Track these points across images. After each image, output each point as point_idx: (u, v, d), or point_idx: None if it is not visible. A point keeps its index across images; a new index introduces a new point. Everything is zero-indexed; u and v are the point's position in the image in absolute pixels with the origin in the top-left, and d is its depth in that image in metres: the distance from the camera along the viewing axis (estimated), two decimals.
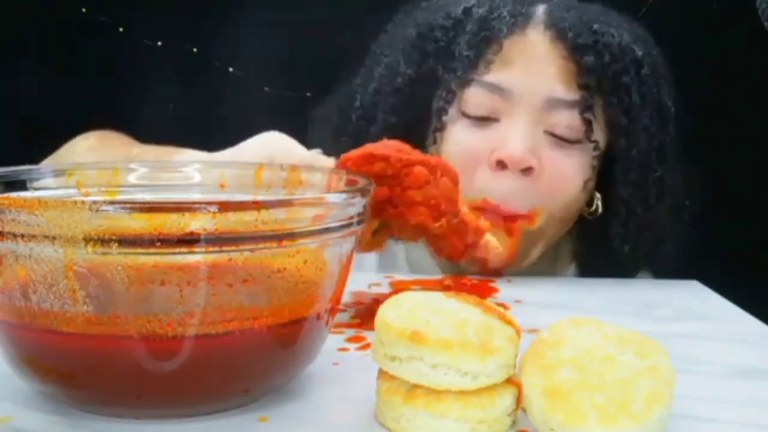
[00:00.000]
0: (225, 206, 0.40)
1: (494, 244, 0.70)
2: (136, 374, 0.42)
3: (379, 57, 0.94)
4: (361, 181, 0.52)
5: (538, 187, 0.82)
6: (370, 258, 0.96)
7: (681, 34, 1.27)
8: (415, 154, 0.65)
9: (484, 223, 0.69)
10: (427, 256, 0.94)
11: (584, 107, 0.82)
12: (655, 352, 0.44)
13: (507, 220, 0.83)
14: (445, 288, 0.80)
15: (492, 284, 0.82)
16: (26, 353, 0.44)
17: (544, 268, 0.94)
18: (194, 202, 0.40)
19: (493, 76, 0.84)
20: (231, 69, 1.53)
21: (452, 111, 0.87)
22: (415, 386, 0.44)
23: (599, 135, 0.85)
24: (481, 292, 0.78)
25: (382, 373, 0.46)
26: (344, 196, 0.46)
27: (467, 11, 0.89)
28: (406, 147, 0.65)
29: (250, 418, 0.46)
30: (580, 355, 0.44)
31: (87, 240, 0.39)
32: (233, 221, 0.41)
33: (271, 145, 0.71)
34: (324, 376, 0.52)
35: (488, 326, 0.44)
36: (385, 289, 0.78)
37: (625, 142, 0.85)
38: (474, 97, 0.85)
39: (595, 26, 0.84)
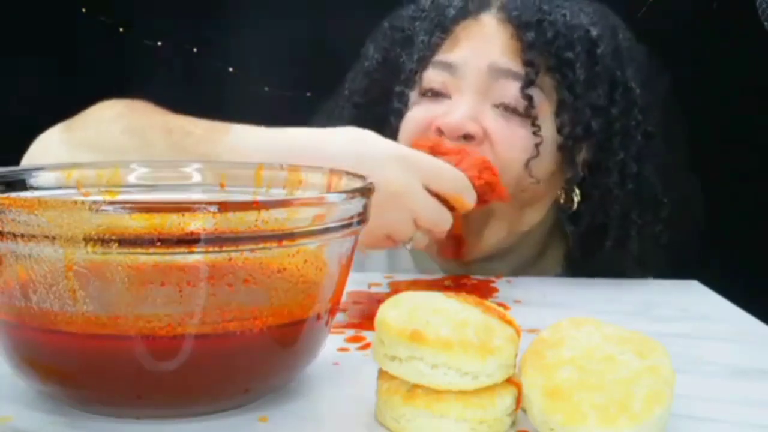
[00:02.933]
0: (225, 206, 0.40)
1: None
2: (136, 374, 0.42)
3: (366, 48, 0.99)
4: (361, 182, 0.52)
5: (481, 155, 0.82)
6: (377, 259, 0.97)
7: (681, 33, 1.27)
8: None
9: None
10: (432, 258, 0.94)
11: (526, 83, 0.83)
12: (655, 352, 0.44)
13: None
14: (445, 288, 0.80)
15: (492, 284, 0.82)
16: (26, 353, 0.44)
17: (528, 260, 0.94)
18: (194, 202, 0.40)
19: (442, 56, 0.87)
20: (231, 69, 1.53)
21: (413, 95, 0.90)
22: (415, 386, 0.44)
23: (548, 115, 0.85)
24: (481, 292, 0.78)
25: (382, 373, 0.46)
26: (344, 196, 0.46)
27: (432, 2, 0.93)
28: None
29: (250, 418, 0.46)
30: (580, 355, 0.44)
31: (87, 240, 0.39)
32: (233, 221, 0.41)
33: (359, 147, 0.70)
34: (324, 376, 0.52)
35: (488, 326, 0.44)
36: (385, 289, 0.78)
37: (568, 118, 0.84)
38: (427, 77, 0.88)
39: (545, 7, 0.86)
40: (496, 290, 0.79)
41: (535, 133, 0.83)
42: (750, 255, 1.26)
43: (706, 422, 0.48)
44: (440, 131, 0.83)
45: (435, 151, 0.78)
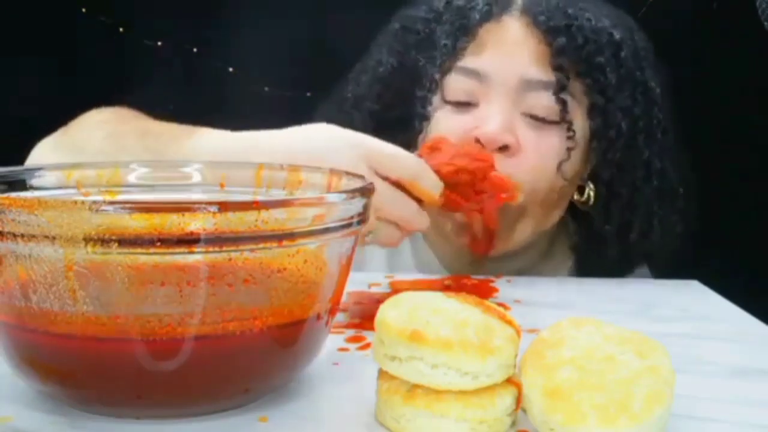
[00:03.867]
0: (225, 206, 0.40)
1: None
2: (136, 374, 0.42)
3: (370, 51, 0.97)
4: (361, 182, 0.52)
5: (516, 165, 0.83)
6: (377, 257, 0.97)
7: (681, 33, 1.27)
8: (486, 160, 0.77)
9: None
10: (434, 257, 0.94)
11: (559, 88, 0.84)
12: (655, 352, 0.44)
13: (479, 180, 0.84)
14: (445, 288, 0.80)
15: (492, 284, 0.82)
16: (26, 353, 0.44)
17: (539, 258, 0.94)
18: (194, 202, 0.40)
19: (468, 62, 0.86)
20: (231, 69, 1.53)
21: (435, 100, 0.89)
22: (415, 386, 0.44)
23: (579, 118, 0.86)
24: (481, 292, 0.78)
25: (382, 373, 0.46)
26: (344, 196, 0.46)
27: (448, 4, 0.92)
28: (481, 152, 0.78)
29: (250, 418, 0.46)
30: (580, 355, 0.44)
31: (87, 240, 0.39)
32: (233, 221, 0.41)
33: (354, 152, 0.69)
34: (324, 376, 0.52)
35: (488, 326, 0.44)
36: (385, 289, 0.78)
37: (602, 121, 0.86)
38: (453, 84, 0.87)
39: (570, 10, 0.86)
40: (496, 290, 0.79)
41: (569, 138, 0.84)
42: (750, 255, 1.26)
43: (706, 422, 0.48)
44: (479, 142, 0.83)
45: (433, 149, 0.78)
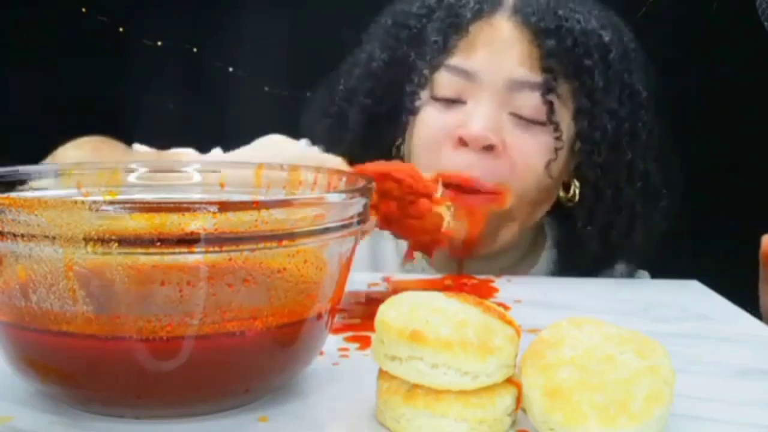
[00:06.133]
0: (225, 206, 0.40)
1: (446, 216, 0.70)
2: (136, 374, 0.42)
3: (363, 45, 0.98)
4: (361, 182, 0.52)
5: (501, 166, 0.84)
6: (360, 257, 0.97)
7: (681, 34, 1.27)
8: (423, 185, 0.69)
9: (439, 198, 0.71)
10: (423, 256, 0.94)
11: (546, 89, 0.84)
12: (655, 352, 0.44)
13: (468, 193, 0.83)
14: (445, 288, 0.80)
15: (492, 284, 0.82)
16: (26, 353, 0.44)
17: (521, 254, 0.95)
18: (194, 202, 0.40)
19: (458, 60, 0.86)
20: (231, 69, 1.53)
21: (424, 95, 0.89)
22: (415, 386, 0.44)
23: (566, 119, 0.86)
24: (481, 292, 0.78)
25: (382, 373, 0.46)
26: (344, 196, 0.46)
27: (440, 1, 0.92)
28: (418, 174, 0.69)
29: (250, 418, 0.46)
30: (580, 355, 0.44)
31: (87, 240, 0.39)
32: (233, 221, 0.41)
33: (269, 149, 0.71)
34: (324, 376, 0.52)
35: (488, 326, 0.44)
36: (384, 289, 0.78)
37: (588, 124, 0.86)
38: (441, 81, 0.87)
39: (560, 11, 0.86)
40: (496, 290, 0.79)
41: (557, 138, 0.84)
42: (750, 255, 1.26)
43: (706, 422, 0.48)
44: (463, 142, 0.83)
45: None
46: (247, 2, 1.48)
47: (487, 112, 0.83)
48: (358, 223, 0.48)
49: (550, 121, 0.84)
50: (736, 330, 0.69)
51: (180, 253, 0.40)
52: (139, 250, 0.40)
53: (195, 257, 0.41)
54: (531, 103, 0.84)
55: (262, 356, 0.45)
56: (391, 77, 0.92)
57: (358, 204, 0.47)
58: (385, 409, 0.45)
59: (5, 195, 0.49)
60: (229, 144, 0.78)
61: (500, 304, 0.69)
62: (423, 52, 0.90)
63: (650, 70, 0.95)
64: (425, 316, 0.43)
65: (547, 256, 0.97)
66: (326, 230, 0.45)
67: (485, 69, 0.85)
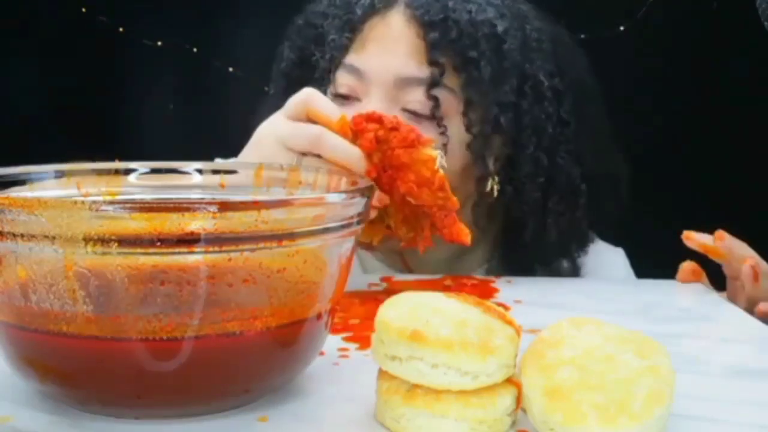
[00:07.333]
0: (225, 206, 0.40)
1: (437, 157, 0.70)
2: (136, 374, 0.42)
3: (280, 45, 0.99)
4: (362, 181, 0.52)
5: None
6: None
7: (681, 33, 1.27)
8: (404, 125, 0.70)
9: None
10: (377, 257, 0.94)
11: (431, 84, 0.83)
12: (655, 352, 0.44)
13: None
14: (445, 288, 0.80)
15: (492, 284, 0.82)
16: (26, 353, 0.44)
17: (459, 248, 0.91)
18: (194, 202, 0.41)
19: (351, 58, 0.86)
20: (231, 69, 1.53)
21: (328, 94, 0.89)
22: (415, 386, 0.44)
23: (455, 113, 0.84)
24: (482, 292, 0.78)
25: (382, 373, 0.46)
26: (344, 196, 0.46)
27: None
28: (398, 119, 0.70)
29: (250, 418, 0.46)
30: (580, 355, 0.44)
31: (87, 240, 0.39)
32: (233, 221, 0.41)
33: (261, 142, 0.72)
34: (324, 376, 0.52)
35: (488, 326, 0.44)
36: (384, 289, 0.78)
37: (476, 117, 0.84)
38: (339, 79, 0.87)
39: (450, 3, 0.85)
40: (496, 290, 0.79)
41: (442, 134, 0.83)
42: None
43: (706, 422, 0.48)
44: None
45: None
46: (247, 2, 1.48)
47: (377, 108, 0.81)
48: (358, 223, 0.48)
49: (433, 116, 0.83)
50: (736, 330, 0.69)
51: (180, 253, 0.40)
52: (139, 250, 0.40)
53: (195, 257, 0.41)
54: (418, 98, 0.83)
55: (261, 356, 0.45)
56: (299, 77, 0.92)
57: (358, 204, 0.47)
58: (385, 409, 0.45)
59: (5, 195, 0.49)
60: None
61: (500, 304, 0.69)
62: (324, 51, 0.90)
63: (582, 61, 0.93)
64: (425, 316, 0.43)
65: (483, 257, 0.96)
66: (326, 230, 0.45)
67: (373, 67, 0.84)
